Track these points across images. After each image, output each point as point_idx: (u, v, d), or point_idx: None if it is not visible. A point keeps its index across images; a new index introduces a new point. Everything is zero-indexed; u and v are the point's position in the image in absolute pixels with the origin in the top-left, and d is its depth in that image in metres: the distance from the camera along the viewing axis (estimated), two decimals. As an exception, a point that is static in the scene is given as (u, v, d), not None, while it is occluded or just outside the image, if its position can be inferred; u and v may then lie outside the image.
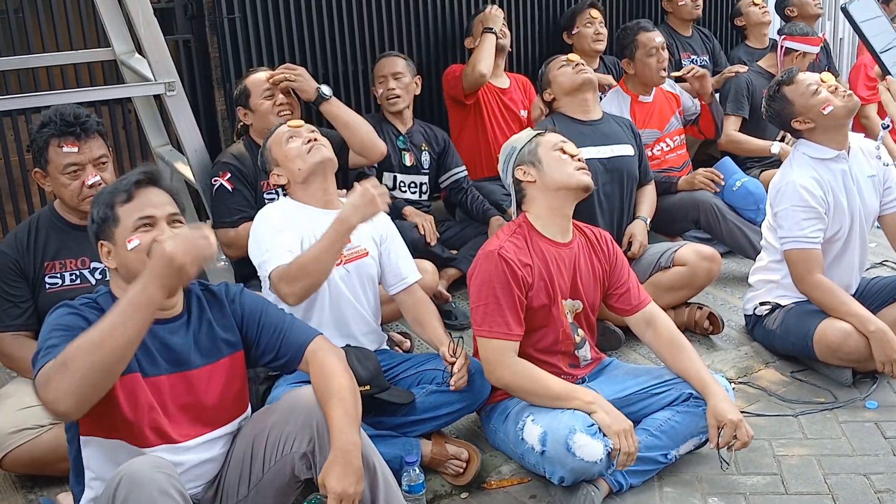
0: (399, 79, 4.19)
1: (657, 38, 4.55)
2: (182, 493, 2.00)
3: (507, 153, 2.99)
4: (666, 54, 4.59)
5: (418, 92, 4.35)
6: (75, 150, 2.84)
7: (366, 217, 2.73)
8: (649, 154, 4.52)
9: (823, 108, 3.36)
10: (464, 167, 4.41)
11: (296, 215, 2.95)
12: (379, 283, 3.09)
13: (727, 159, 4.71)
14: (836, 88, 3.38)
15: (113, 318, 1.95)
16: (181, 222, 2.23)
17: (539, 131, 3.00)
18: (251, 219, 3.03)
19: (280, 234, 2.84)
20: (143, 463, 2.00)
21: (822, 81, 3.41)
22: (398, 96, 4.18)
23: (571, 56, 4.03)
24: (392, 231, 3.12)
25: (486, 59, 4.51)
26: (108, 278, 2.39)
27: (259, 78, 3.70)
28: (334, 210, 3.00)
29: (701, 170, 4.47)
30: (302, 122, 3.12)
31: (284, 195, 3.09)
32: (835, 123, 3.39)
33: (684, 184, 4.39)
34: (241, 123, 3.76)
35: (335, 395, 2.20)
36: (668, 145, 4.65)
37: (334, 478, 2.09)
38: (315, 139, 3.01)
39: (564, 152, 2.90)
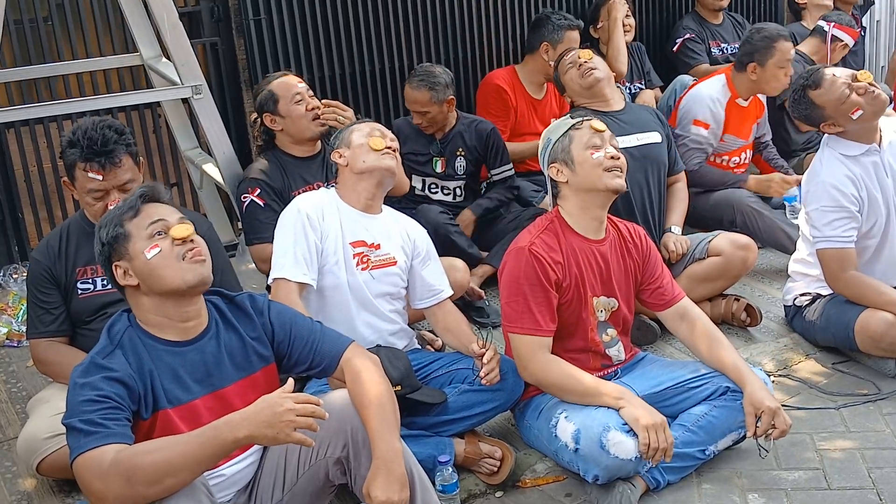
0: (425, 114, 4.09)
1: (793, 49, 4.32)
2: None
3: (543, 145, 2.93)
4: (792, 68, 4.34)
5: (452, 111, 4.17)
6: (99, 178, 2.80)
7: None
8: (720, 163, 4.41)
9: (852, 114, 3.27)
10: (510, 166, 4.28)
11: (331, 209, 2.94)
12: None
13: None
14: (865, 90, 3.26)
15: (192, 447, 1.93)
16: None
17: (577, 119, 2.91)
18: None
19: (303, 237, 2.83)
20: None
21: (856, 80, 3.29)
22: (427, 125, 4.13)
23: (582, 53, 3.87)
24: (429, 248, 3.09)
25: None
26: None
27: (287, 82, 3.60)
28: (373, 214, 3.00)
29: (777, 176, 4.33)
30: (385, 142, 3.03)
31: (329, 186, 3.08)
32: (865, 125, 3.31)
33: (755, 186, 4.24)
34: (260, 134, 3.66)
35: (373, 403, 2.18)
36: (742, 158, 4.51)
37: (378, 487, 2.08)
38: (395, 150, 3.03)
39: (598, 149, 2.81)
